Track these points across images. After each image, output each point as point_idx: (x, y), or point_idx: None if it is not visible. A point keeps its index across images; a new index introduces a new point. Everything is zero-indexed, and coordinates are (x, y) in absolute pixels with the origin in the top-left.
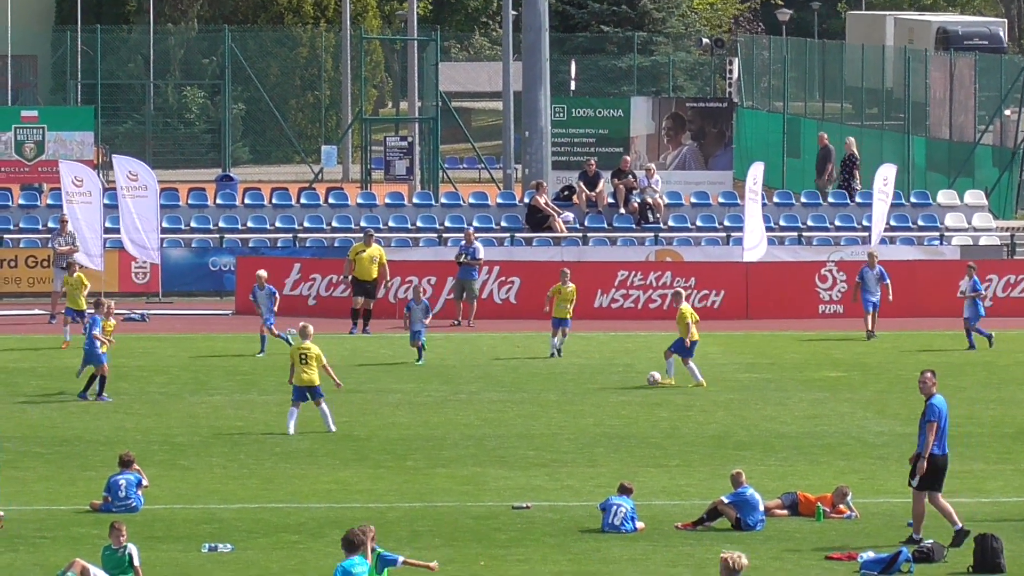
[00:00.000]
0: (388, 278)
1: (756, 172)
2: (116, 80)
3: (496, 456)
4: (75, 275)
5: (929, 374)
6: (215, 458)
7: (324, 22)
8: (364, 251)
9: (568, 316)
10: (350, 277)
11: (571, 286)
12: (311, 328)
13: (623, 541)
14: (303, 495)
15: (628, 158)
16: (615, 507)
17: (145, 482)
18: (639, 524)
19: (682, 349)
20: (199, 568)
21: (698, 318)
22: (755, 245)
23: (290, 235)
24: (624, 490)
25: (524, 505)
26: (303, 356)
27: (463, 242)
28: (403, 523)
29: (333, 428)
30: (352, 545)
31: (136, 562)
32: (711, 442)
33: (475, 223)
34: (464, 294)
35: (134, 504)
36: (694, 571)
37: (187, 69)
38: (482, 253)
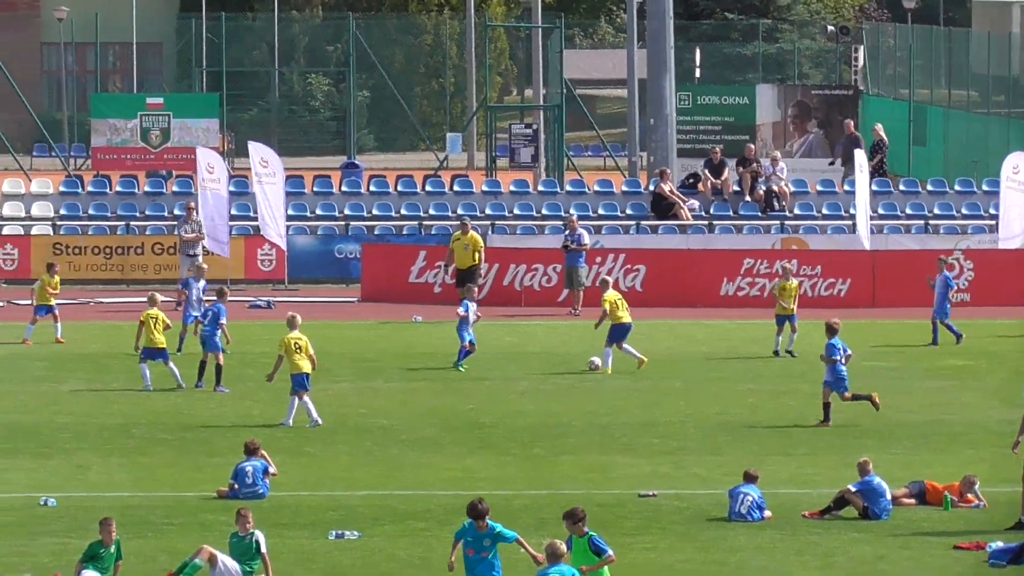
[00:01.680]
0: (482, 263)
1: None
2: (241, 67)
3: (621, 444)
4: (54, 278)
5: None
6: (340, 445)
7: (448, 9)
8: (460, 239)
9: (792, 312)
10: (451, 266)
11: (794, 281)
12: (299, 318)
13: (749, 529)
14: (429, 482)
15: (753, 146)
16: (741, 496)
17: (272, 469)
18: (766, 512)
19: (616, 335)
20: (325, 555)
21: (624, 303)
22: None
23: (415, 222)
24: (749, 478)
25: (650, 493)
26: (297, 346)
27: (566, 230)
28: (529, 511)
29: (319, 421)
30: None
31: (263, 549)
32: (837, 431)
33: (600, 211)
34: (572, 281)
35: (261, 491)
36: (821, 560)
37: (312, 56)
38: (587, 239)
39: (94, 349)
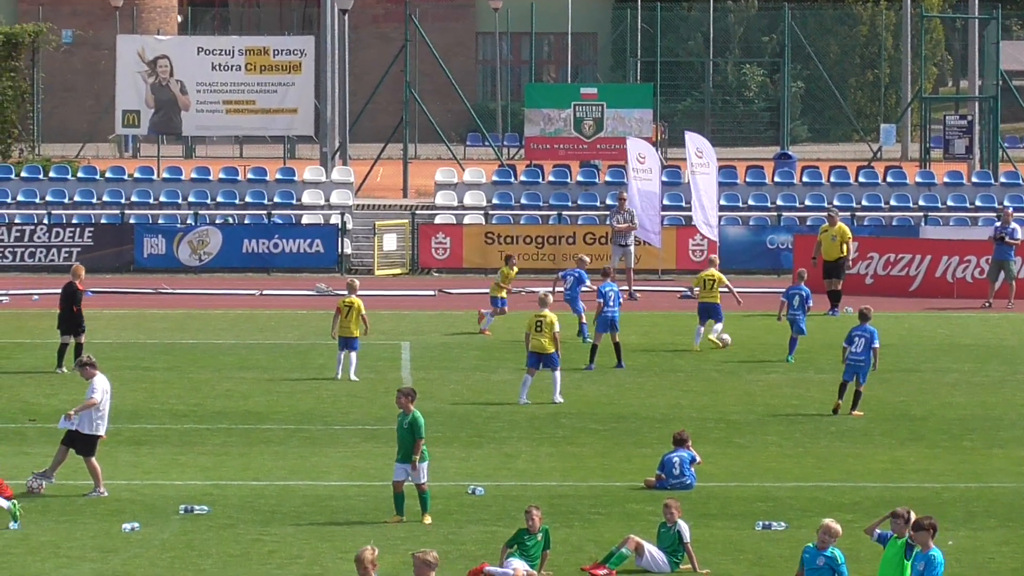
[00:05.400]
0: (849, 254)
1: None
2: (675, 58)
3: None
4: (513, 269)
5: None
6: (770, 436)
7: (884, 0)
8: (828, 231)
9: None
10: (817, 259)
11: None
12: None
13: None
14: (857, 474)
15: None
16: None
17: (699, 460)
18: None
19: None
20: (753, 546)
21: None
22: None
23: (847, 213)
24: None
25: None
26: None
27: (998, 222)
28: (958, 504)
29: (354, 377)
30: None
31: (686, 539)
32: None
33: None
34: (1001, 273)
35: (688, 481)
36: None
37: (746, 47)
38: (1020, 233)
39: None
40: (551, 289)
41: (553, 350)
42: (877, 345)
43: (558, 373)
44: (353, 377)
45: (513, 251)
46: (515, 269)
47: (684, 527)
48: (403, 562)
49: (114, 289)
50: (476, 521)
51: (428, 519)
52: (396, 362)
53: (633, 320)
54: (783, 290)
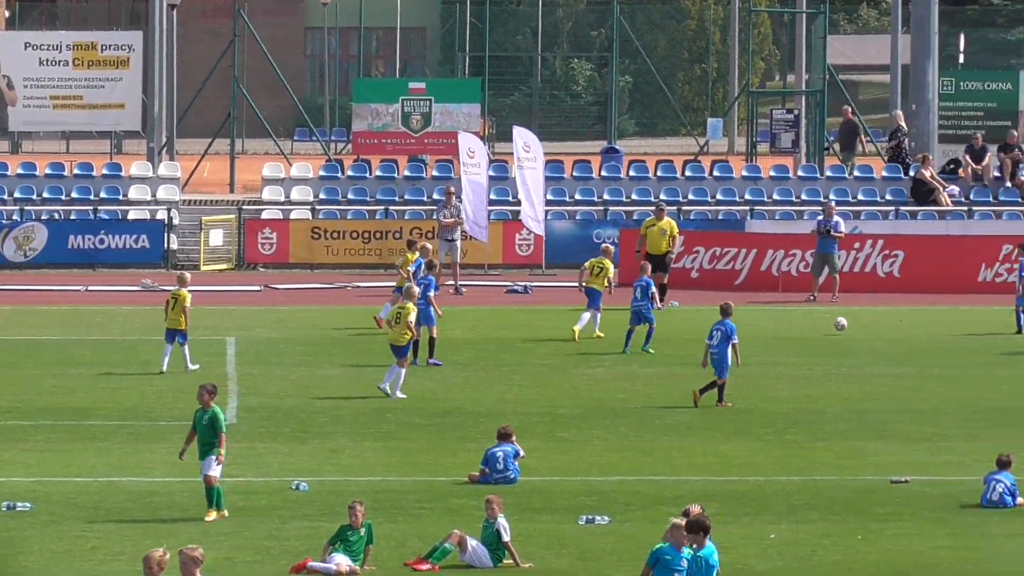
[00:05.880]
0: (675, 248)
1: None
2: (504, 52)
3: (876, 430)
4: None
5: None
6: (595, 430)
7: None
8: (655, 224)
9: None
10: (643, 252)
11: None
12: (188, 275)
13: (1002, 516)
14: (681, 468)
15: (1016, 132)
16: (993, 483)
17: (523, 454)
18: (1019, 500)
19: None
20: (577, 540)
21: None
22: None
23: (674, 207)
24: (1002, 464)
25: (903, 479)
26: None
27: (820, 215)
28: (780, 497)
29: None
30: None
31: (505, 537)
32: None
33: (859, 196)
34: (825, 267)
35: (512, 476)
36: None
37: (575, 41)
38: (843, 227)
39: (351, 333)
40: (414, 282)
41: (405, 343)
42: (736, 340)
43: (404, 371)
44: (191, 367)
45: (339, 246)
46: (416, 254)
47: (503, 525)
48: (225, 559)
49: None
50: (300, 517)
51: (212, 515)
52: (221, 357)
53: (459, 315)
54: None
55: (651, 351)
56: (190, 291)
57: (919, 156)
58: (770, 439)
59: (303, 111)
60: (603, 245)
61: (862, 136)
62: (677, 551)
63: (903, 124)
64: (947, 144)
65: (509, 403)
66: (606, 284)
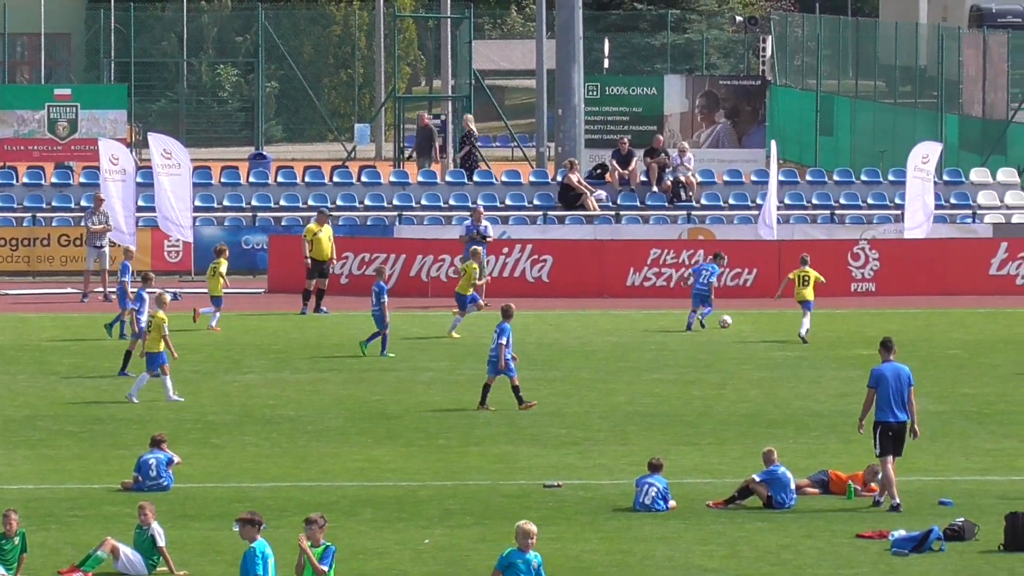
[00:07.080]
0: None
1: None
2: (149, 58)
3: (528, 434)
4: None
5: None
6: (248, 436)
7: (358, 0)
8: (320, 231)
9: (810, 299)
10: (309, 258)
11: (811, 272)
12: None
13: (655, 520)
14: (334, 473)
15: (661, 137)
16: (646, 487)
17: (177, 460)
18: (671, 503)
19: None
20: (231, 546)
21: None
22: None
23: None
24: (653, 467)
25: (555, 484)
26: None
27: (468, 220)
28: (434, 502)
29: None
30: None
31: (160, 543)
32: (744, 420)
33: (507, 201)
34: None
35: (165, 483)
36: (726, 549)
37: (221, 47)
38: (492, 231)
39: (1, 341)
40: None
41: (157, 351)
42: (502, 341)
43: (167, 379)
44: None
45: None
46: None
47: (158, 531)
48: None
49: None
50: None
51: None
52: None
53: (107, 322)
54: (261, 291)
55: (388, 355)
56: None
57: (566, 161)
58: (422, 444)
59: None
60: (472, 248)
61: (436, 143)
62: (523, 553)
63: (473, 128)
64: (594, 149)
65: (161, 409)
66: (470, 286)
